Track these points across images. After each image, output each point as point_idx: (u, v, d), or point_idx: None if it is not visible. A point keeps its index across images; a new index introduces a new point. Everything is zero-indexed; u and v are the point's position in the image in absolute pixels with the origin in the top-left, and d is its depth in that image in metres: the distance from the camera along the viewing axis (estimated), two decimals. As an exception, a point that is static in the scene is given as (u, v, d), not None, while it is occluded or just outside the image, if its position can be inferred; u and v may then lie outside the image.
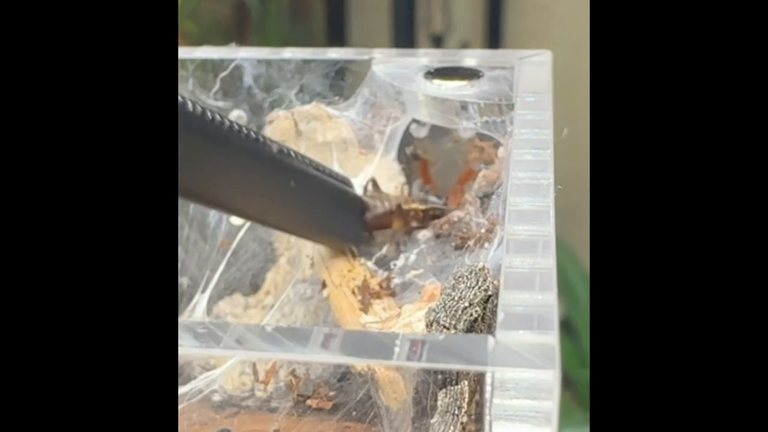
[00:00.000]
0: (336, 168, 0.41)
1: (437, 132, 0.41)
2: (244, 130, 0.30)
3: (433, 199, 0.40)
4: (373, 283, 0.36)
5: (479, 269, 0.30)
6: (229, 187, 0.30)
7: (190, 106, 0.27)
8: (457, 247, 0.36)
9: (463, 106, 0.38)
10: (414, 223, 0.39)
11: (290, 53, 0.43)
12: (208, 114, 0.28)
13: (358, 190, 0.40)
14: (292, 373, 0.32)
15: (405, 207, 0.39)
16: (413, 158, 0.42)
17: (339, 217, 0.37)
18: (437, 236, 0.38)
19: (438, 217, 0.39)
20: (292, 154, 0.33)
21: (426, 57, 0.41)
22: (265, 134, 0.32)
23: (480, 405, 0.27)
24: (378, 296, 0.35)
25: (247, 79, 0.43)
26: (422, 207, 0.39)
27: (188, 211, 0.42)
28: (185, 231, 0.42)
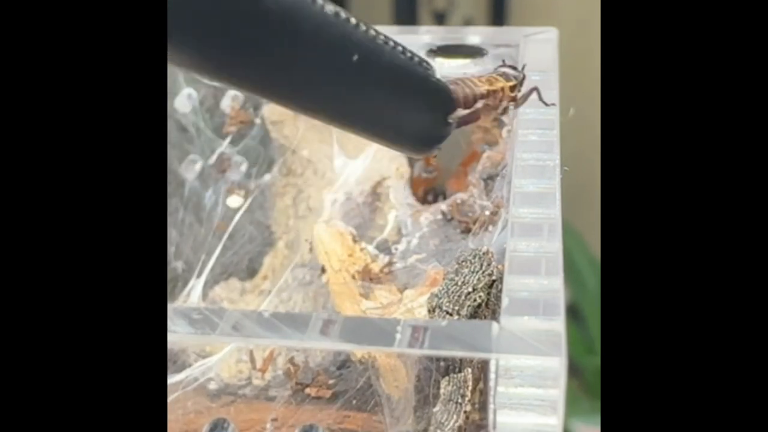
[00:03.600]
0: (335, 148, 0.40)
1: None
2: None
3: (509, 70, 0.33)
4: (374, 268, 0.35)
5: (483, 253, 0.29)
6: (259, 60, 0.23)
7: None
8: (461, 231, 0.36)
9: (467, 85, 0.37)
10: (501, 109, 0.32)
11: (288, 31, 0.42)
12: None
13: None
14: (291, 360, 0.32)
15: (492, 89, 0.31)
16: None
17: (417, 108, 0.29)
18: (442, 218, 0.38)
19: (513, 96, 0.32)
20: (353, 21, 0.25)
21: (428, 34, 0.41)
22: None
23: (484, 393, 0.27)
24: (379, 281, 0.34)
25: (245, 56, 0.42)
26: (510, 83, 0.32)
27: (183, 193, 0.42)
28: (180, 214, 0.42)
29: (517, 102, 0.32)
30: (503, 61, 0.34)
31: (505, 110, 0.32)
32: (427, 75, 0.29)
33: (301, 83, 0.25)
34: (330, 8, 0.24)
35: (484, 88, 0.31)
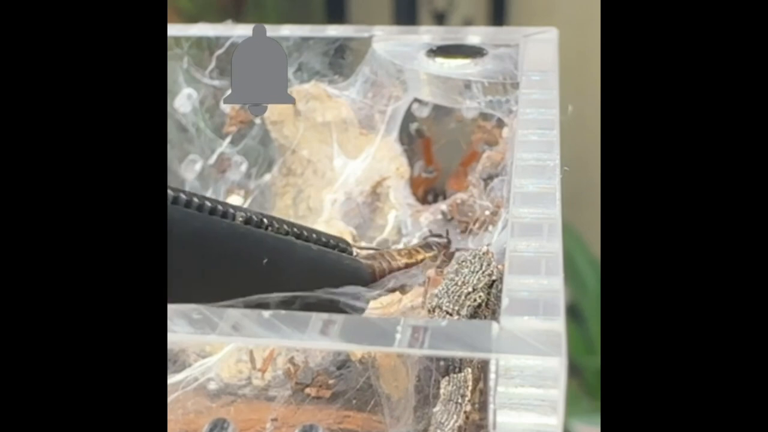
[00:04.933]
0: (335, 148, 0.40)
1: (440, 112, 0.41)
2: (194, 201, 0.24)
3: (434, 239, 0.35)
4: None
5: (483, 253, 0.29)
6: (177, 279, 0.24)
7: None
8: (461, 231, 0.36)
9: (467, 85, 0.38)
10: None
11: (288, 30, 0.42)
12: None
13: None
14: (291, 360, 0.32)
15: (411, 262, 0.33)
16: (417, 135, 0.42)
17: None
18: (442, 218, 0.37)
19: (448, 249, 0.34)
20: (264, 222, 0.27)
21: (428, 34, 0.41)
22: (224, 201, 0.26)
23: (484, 393, 0.27)
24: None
25: (244, 58, 0.42)
26: (430, 253, 0.34)
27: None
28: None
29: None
30: (430, 231, 0.36)
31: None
32: (339, 259, 0.30)
33: (214, 291, 0.25)
34: (240, 217, 0.25)
35: (402, 261, 0.32)
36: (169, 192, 0.24)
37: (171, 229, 0.23)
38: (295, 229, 0.28)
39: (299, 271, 0.28)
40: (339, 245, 0.31)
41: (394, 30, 0.42)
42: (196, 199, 0.24)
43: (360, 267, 0.31)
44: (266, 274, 0.27)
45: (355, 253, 0.32)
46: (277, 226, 0.27)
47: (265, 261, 0.27)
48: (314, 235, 0.29)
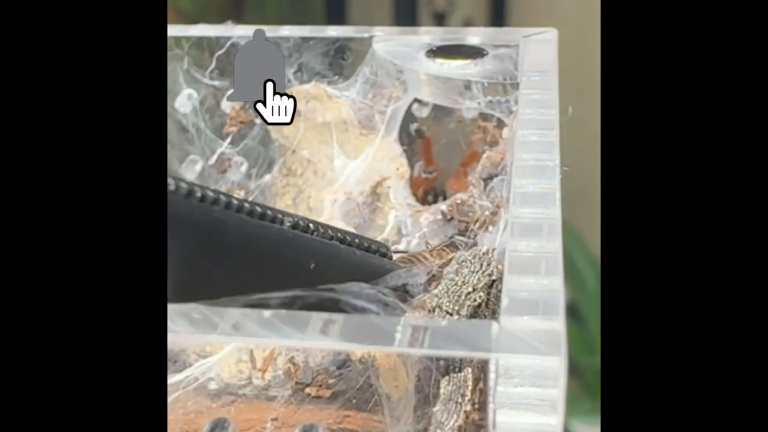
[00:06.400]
0: (336, 148, 0.40)
1: (440, 112, 0.41)
2: (245, 206, 0.25)
3: (460, 238, 0.36)
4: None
5: (483, 253, 0.29)
6: (229, 284, 0.24)
7: (172, 185, 0.22)
8: (461, 231, 0.36)
9: (467, 86, 0.38)
10: None
11: (288, 31, 0.42)
12: (197, 193, 0.23)
13: None
14: (291, 360, 0.32)
15: (442, 263, 0.34)
16: (417, 135, 0.42)
17: None
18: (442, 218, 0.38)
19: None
20: (311, 227, 0.27)
21: (428, 35, 0.41)
22: (273, 206, 0.26)
23: (484, 393, 0.27)
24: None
25: (244, 58, 0.42)
26: (456, 253, 0.34)
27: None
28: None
29: None
30: (458, 230, 0.36)
31: None
32: (381, 263, 0.31)
33: (263, 292, 0.25)
34: (288, 222, 0.26)
35: (435, 262, 0.33)
36: (222, 197, 0.24)
37: (225, 234, 0.24)
38: (339, 234, 0.29)
39: (344, 275, 0.29)
40: (380, 250, 0.31)
41: (394, 30, 0.42)
42: (247, 204, 0.25)
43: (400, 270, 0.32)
44: (313, 278, 0.27)
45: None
46: (322, 231, 0.28)
47: (312, 266, 0.27)
48: (357, 240, 0.30)
